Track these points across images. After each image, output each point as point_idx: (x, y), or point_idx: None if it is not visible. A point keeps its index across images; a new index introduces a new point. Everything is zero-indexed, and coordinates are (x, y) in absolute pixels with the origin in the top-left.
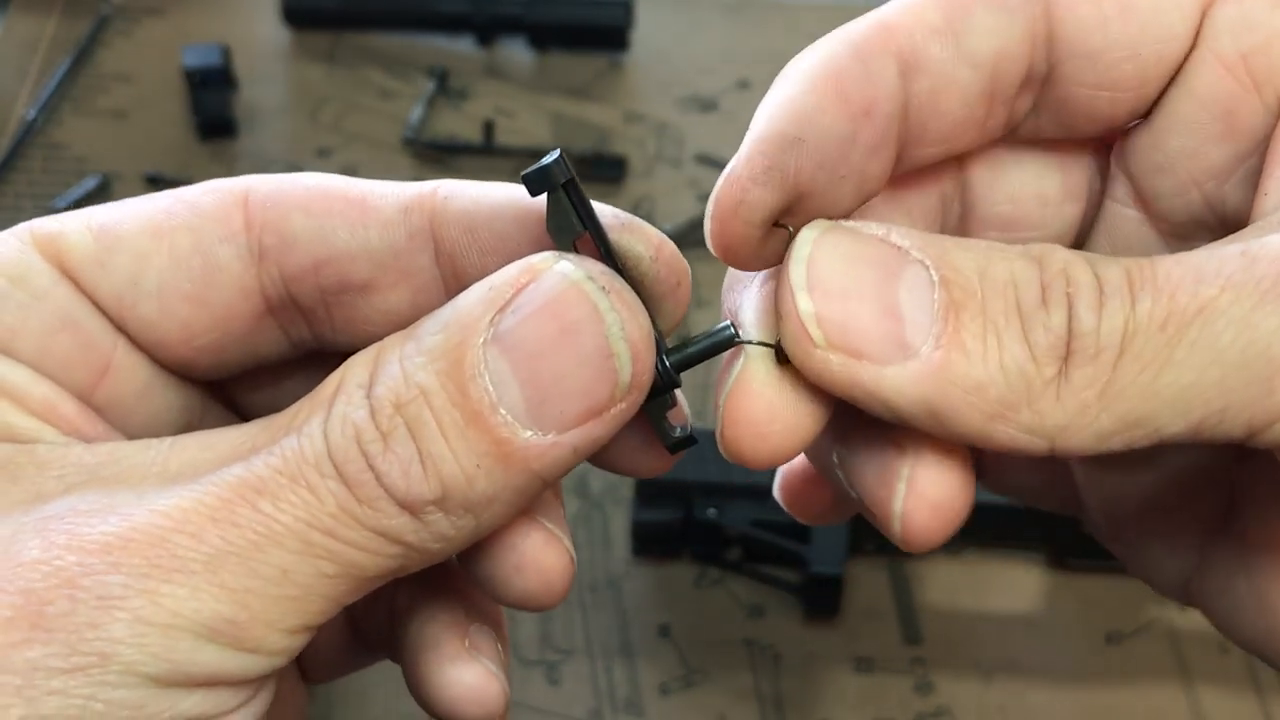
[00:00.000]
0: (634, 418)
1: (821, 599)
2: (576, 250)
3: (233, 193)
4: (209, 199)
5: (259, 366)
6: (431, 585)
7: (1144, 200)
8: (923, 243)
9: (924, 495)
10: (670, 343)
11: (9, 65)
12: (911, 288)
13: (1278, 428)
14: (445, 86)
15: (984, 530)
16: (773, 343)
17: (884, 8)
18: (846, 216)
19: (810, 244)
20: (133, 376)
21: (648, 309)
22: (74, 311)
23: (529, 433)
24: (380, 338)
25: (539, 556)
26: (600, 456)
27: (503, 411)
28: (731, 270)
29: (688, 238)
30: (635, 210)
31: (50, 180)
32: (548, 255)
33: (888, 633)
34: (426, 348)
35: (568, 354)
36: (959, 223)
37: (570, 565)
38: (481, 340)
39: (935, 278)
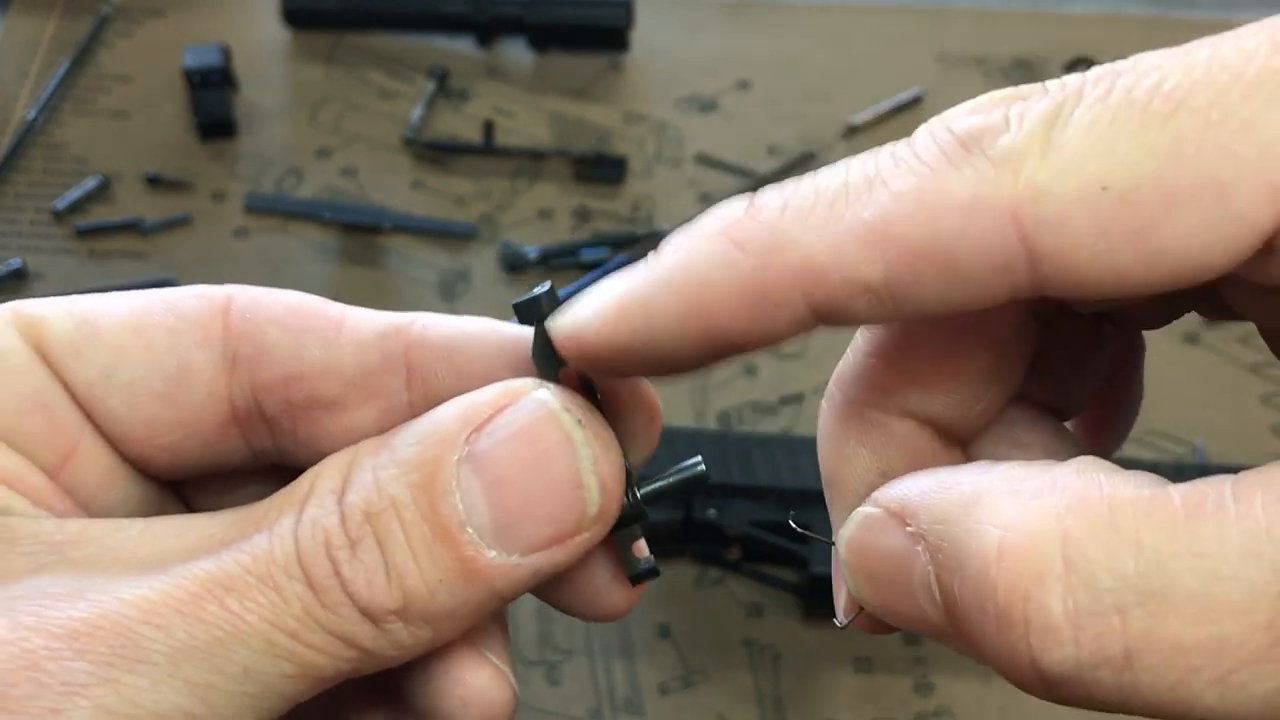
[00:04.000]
0: (596, 552)
1: (821, 599)
2: (558, 381)
3: (215, 299)
4: (191, 302)
5: (216, 472)
6: (371, 685)
7: None
8: (928, 519)
9: None
10: (641, 470)
11: (9, 65)
12: (921, 586)
13: None
14: (445, 87)
15: None
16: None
17: (809, 230)
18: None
19: (843, 546)
20: (96, 464)
21: (620, 442)
22: (47, 394)
23: (494, 552)
24: None
25: (485, 691)
26: (558, 593)
27: (470, 530)
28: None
29: None
30: (635, 211)
31: (50, 180)
32: (527, 381)
33: None
34: (401, 459)
35: (538, 480)
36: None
37: (513, 702)
38: (456, 458)
39: (933, 577)
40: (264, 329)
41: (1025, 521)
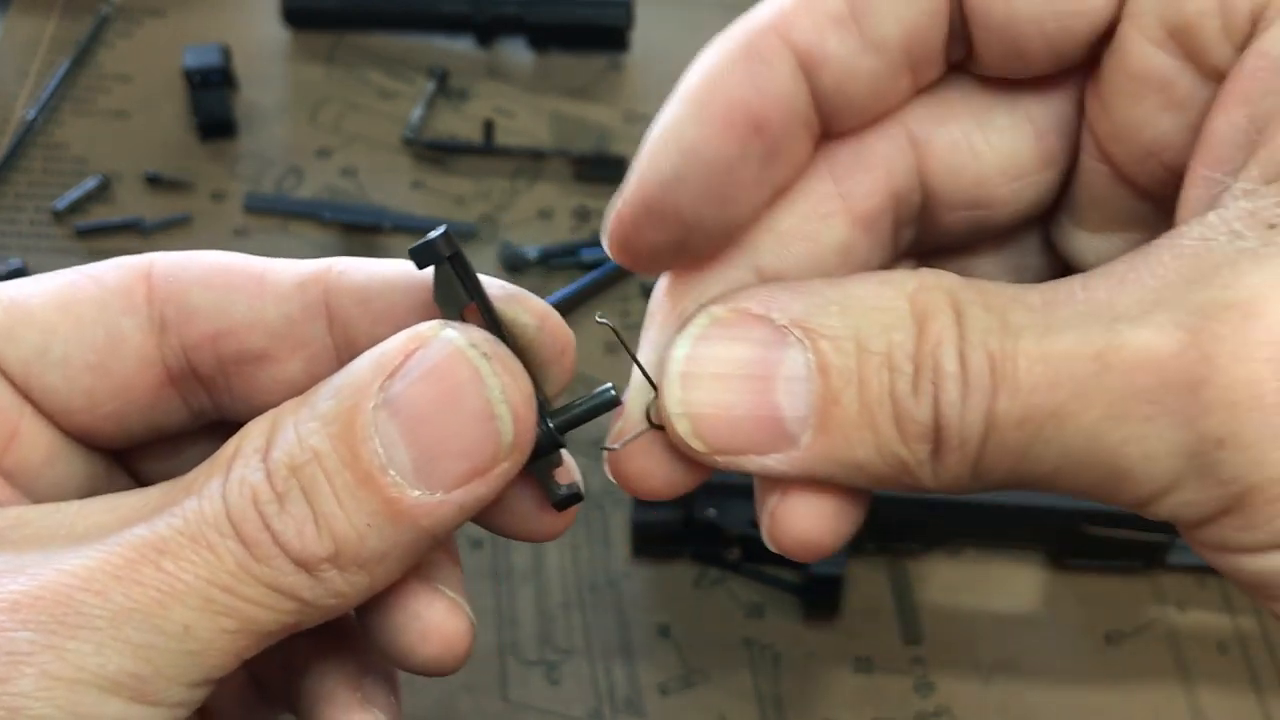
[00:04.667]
0: (524, 481)
1: (821, 599)
2: (464, 320)
3: (136, 267)
4: (113, 274)
5: (160, 436)
6: (326, 640)
7: (1110, 162)
8: (804, 311)
9: (788, 526)
10: (559, 403)
11: (9, 65)
12: (790, 379)
13: (1148, 508)
14: (445, 86)
15: (983, 530)
16: (654, 419)
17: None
18: (755, 216)
19: (684, 348)
20: (38, 444)
21: (534, 375)
22: None
23: (417, 492)
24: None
25: (443, 625)
26: (494, 521)
27: (392, 472)
28: (647, 321)
29: None
30: None
31: (50, 180)
32: (434, 323)
33: (888, 633)
34: (320, 413)
35: (452, 416)
36: (920, 210)
37: (471, 630)
38: (372, 405)
39: (813, 362)
40: (188, 290)
41: (928, 296)
